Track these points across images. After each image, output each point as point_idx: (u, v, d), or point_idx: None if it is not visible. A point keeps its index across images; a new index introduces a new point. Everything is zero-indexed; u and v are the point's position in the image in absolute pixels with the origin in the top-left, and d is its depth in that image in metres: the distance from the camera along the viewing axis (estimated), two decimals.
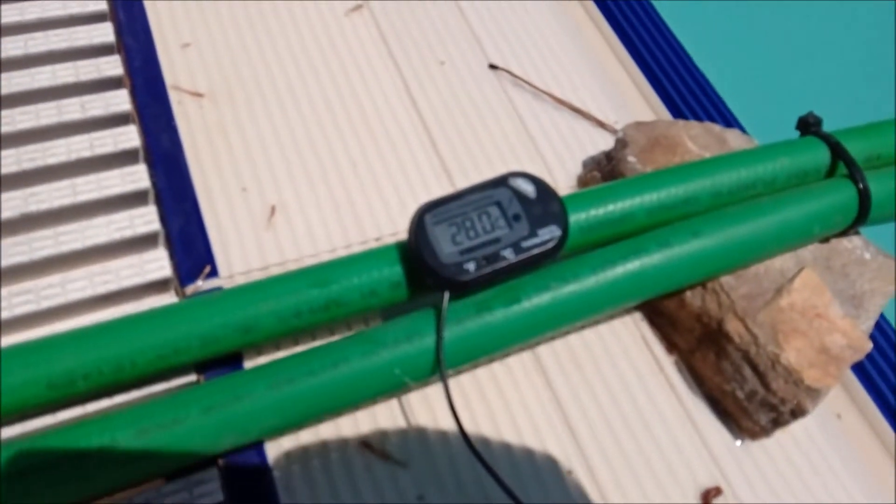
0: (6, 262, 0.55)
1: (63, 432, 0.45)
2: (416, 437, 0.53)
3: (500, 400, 0.56)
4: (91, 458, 0.43)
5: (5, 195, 0.58)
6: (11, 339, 0.53)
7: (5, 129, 0.61)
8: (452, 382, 0.55)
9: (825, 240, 0.60)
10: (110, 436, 0.44)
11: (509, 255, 0.49)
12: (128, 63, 0.67)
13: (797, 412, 0.53)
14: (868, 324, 0.57)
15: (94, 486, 0.44)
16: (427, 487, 0.51)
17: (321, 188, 0.64)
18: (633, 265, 0.52)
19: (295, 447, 0.51)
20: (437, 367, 0.49)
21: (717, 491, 0.54)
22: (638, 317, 0.61)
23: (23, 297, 0.54)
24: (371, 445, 0.52)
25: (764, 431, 0.56)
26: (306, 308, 0.50)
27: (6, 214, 0.57)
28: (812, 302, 0.56)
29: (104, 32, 0.69)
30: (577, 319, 0.54)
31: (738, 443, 0.57)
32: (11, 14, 0.68)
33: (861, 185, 0.57)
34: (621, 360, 0.59)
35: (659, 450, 0.55)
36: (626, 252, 0.53)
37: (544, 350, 0.58)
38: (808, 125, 0.61)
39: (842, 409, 0.62)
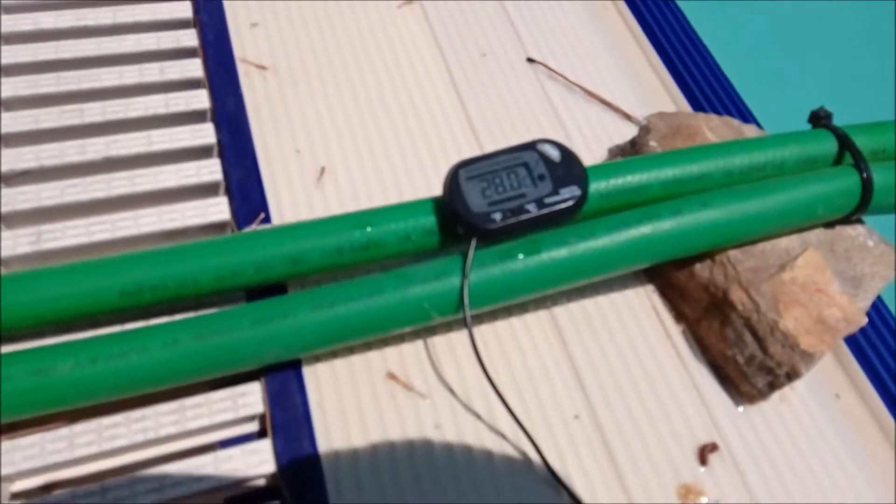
0: (87, 197, 0.62)
1: (131, 333, 0.51)
2: (437, 373, 0.58)
3: (517, 352, 0.60)
4: (154, 354, 0.49)
5: (90, 140, 0.66)
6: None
7: (92, 84, 0.69)
8: (474, 331, 0.60)
9: (830, 225, 0.64)
10: (172, 336, 0.50)
11: (532, 209, 0.55)
12: (202, 36, 0.75)
13: (792, 375, 0.57)
14: (865, 303, 0.61)
15: (154, 380, 0.50)
16: (444, 418, 0.56)
17: (366, 154, 0.70)
18: (645, 229, 0.57)
19: (329, 373, 0.57)
20: (461, 305, 0.54)
21: (714, 447, 0.58)
22: (650, 288, 0.66)
23: (100, 227, 0.61)
24: (396, 377, 0.57)
25: (761, 395, 0.59)
26: (348, 246, 0.56)
27: (90, 156, 0.65)
28: (813, 278, 0.60)
29: (183, 9, 0.77)
30: (590, 275, 0.59)
31: (740, 409, 0.61)
32: None
33: (865, 175, 0.61)
34: (632, 326, 0.64)
35: (662, 408, 0.59)
36: (641, 217, 0.58)
37: (560, 311, 0.63)
38: (819, 118, 0.65)
39: (840, 390, 0.65)
